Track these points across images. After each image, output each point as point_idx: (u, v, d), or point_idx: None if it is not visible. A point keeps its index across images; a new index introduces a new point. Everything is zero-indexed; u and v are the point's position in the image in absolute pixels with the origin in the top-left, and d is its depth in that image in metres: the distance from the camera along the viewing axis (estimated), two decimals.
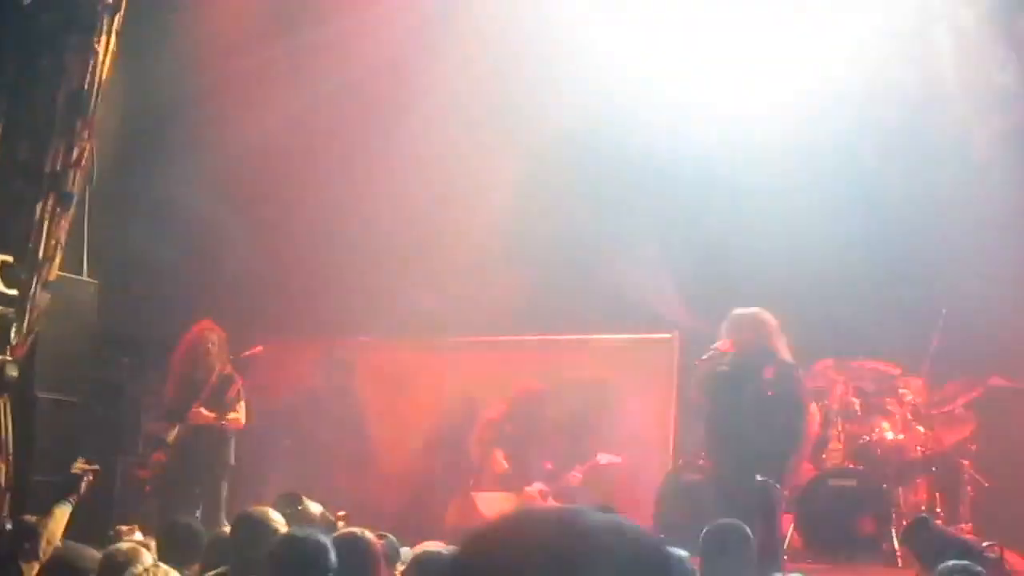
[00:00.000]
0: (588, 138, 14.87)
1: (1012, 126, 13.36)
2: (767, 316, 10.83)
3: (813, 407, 11.41)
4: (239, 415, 12.30)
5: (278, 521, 7.39)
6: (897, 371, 12.30)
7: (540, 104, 14.83)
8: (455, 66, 14.71)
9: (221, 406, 12.22)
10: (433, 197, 14.65)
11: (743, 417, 10.57)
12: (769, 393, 10.68)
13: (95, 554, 7.13)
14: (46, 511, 9.00)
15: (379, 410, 14.46)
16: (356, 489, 13.68)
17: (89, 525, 9.77)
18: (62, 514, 8.94)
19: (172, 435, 12.25)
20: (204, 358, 12.27)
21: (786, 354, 10.81)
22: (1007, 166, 13.04)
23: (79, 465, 9.31)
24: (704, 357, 11.00)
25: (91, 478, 9.32)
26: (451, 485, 13.68)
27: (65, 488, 9.32)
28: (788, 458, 10.86)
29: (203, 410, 12.14)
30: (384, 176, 14.27)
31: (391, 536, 7.82)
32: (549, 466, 12.64)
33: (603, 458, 12.44)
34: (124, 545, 7.23)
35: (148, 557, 6.95)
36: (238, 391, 12.31)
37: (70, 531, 8.82)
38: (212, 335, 12.39)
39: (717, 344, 11.04)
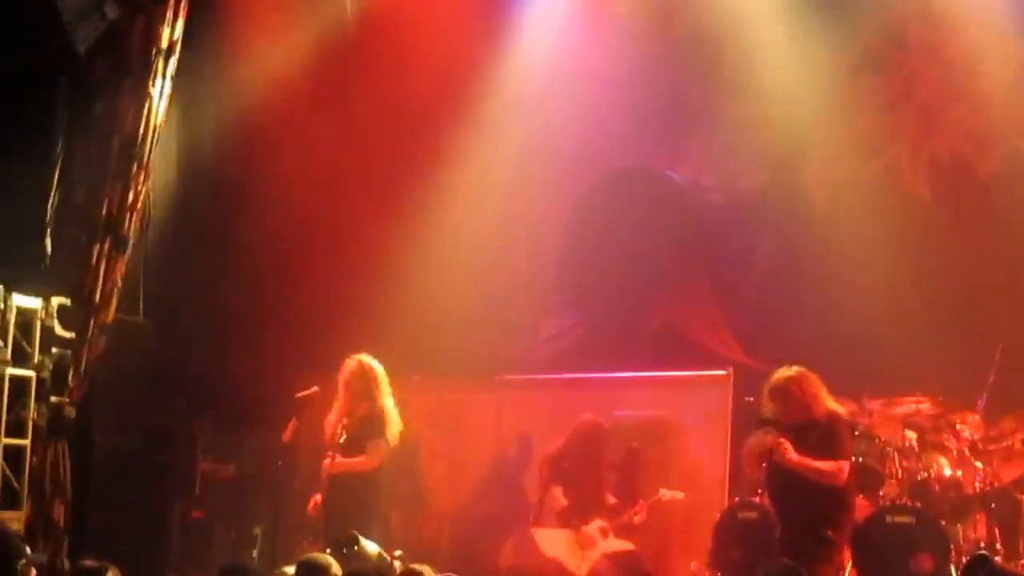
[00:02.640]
0: (641, 173, 14.91)
1: None
2: (800, 378, 10.70)
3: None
4: (366, 456, 11.60)
5: (336, 567, 7.41)
6: (953, 407, 12.21)
7: (586, 144, 14.89)
8: (502, 108, 14.76)
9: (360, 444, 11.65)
10: (487, 234, 14.68)
11: (793, 477, 10.51)
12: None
13: None
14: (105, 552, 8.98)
15: (433, 449, 14.46)
16: (410, 529, 13.69)
17: (148, 568, 9.84)
18: None
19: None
20: (351, 391, 11.81)
21: (825, 406, 10.71)
22: None
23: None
24: (751, 439, 10.93)
25: None
26: (507, 524, 13.65)
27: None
28: (838, 504, 10.75)
29: (337, 459, 11.49)
30: (438, 213, 14.31)
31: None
32: (612, 500, 12.58)
33: (665, 494, 12.37)
34: None
35: None
36: (377, 428, 11.70)
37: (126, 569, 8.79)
38: (352, 366, 11.85)
39: (761, 414, 10.99)
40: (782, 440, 10.37)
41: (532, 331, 15.24)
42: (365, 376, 11.77)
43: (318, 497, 11.66)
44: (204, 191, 14.34)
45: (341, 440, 11.53)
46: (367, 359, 11.84)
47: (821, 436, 10.46)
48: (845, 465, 10.49)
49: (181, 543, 12.93)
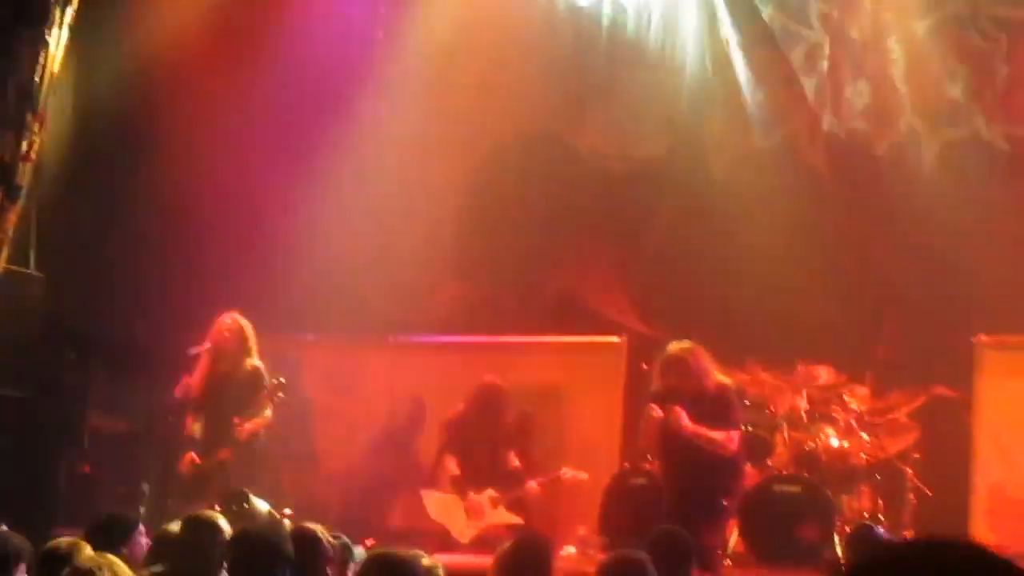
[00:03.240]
0: (541, 140, 14.92)
1: (959, 137, 13.48)
2: (694, 350, 10.88)
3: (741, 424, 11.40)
4: (256, 422, 11.78)
5: (224, 524, 7.40)
6: (842, 379, 12.38)
7: (488, 107, 14.87)
8: (405, 70, 14.72)
9: (246, 405, 11.78)
10: (383, 197, 14.63)
11: (686, 446, 10.67)
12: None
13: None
14: None
15: (325, 409, 14.42)
16: (301, 488, 13.65)
17: (31, 520, 9.73)
18: None
19: (197, 430, 11.95)
20: (222, 350, 11.88)
21: (715, 378, 10.90)
22: (954, 177, 13.15)
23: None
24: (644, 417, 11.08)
25: None
26: (398, 486, 13.66)
27: None
28: (730, 473, 10.93)
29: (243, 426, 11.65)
30: (335, 176, 14.24)
31: (344, 536, 7.79)
32: (507, 466, 12.55)
33: (567, 473, 12.34)
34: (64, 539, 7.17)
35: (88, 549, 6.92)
36: (262, 390, 11.81)
37: (9, 523, 8.70)
38: (226, 325, 11.95)
39: (655, 387, 11.15)
40: (676, 408, 10.53)
41: (428, 294, 15.21)
42: (242, 334, 11.83)
43: (193, 455, 11.73)
44: (100, 142, 14.16)
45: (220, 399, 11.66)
46: (240, 319, 11.89)
47: (712, 407, 10.65)
48: (735, 435, 10.69)
49: (68, 497, 12.80)
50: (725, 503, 10.85)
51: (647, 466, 11.85)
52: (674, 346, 10.89)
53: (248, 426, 11.63)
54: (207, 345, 11.98)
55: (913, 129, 13.59)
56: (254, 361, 11.91)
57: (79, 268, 13.84)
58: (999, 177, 13.10)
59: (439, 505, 12.04)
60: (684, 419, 10.53)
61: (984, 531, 11.71)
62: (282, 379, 11.96)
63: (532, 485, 12.34)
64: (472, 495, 12.26)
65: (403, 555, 6.11)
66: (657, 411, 10.71)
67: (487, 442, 12.57)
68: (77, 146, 13.61)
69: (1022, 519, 12.11)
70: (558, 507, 13.08)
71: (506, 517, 12.17)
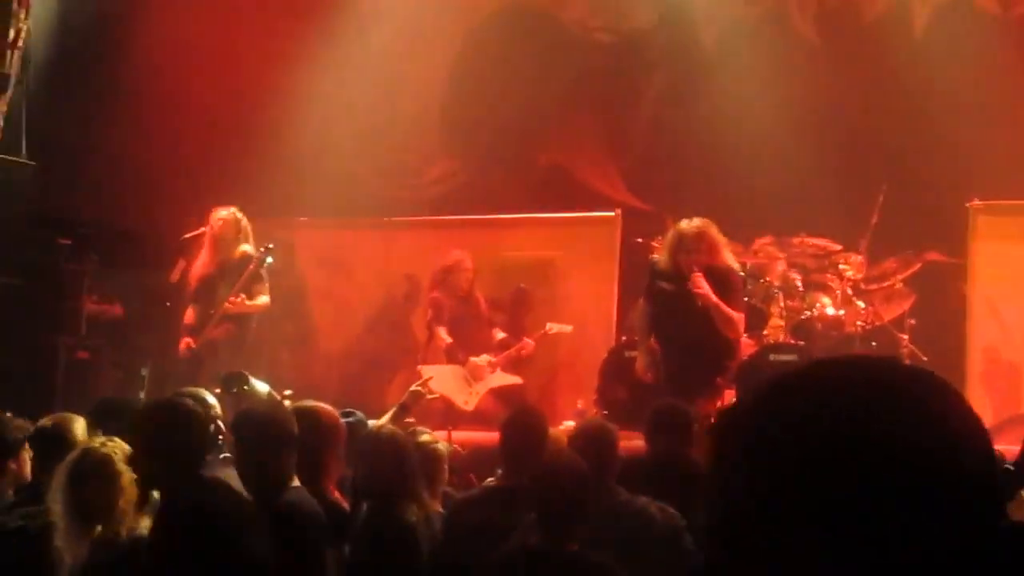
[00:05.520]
0: (527, 14, 14.83)
1: (950, 1, 13.41)
2: (703, 229, 10.73)
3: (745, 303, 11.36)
4: (258, 299, 12.04)
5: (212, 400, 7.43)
6: (837, 248, 12.40)
7: None
8: None
9: (245, 287, 11.93)
10: (373, 78, 14.56)
11: (684, 318, 10.60)
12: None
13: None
14: None
15: (320, 289, 14.46)
16: (299, 368, 13.71)
17: (31, 405, 9.75)
18: None
19: (193, 317, 12.08)
20: (218, 239, 12.01)
21: (726, 258, 10.80)
22: (946, 43, 13.09)
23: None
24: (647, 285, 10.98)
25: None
26: (394, 362, 13.73)
27: None
28: (729, 354, 10.89)
29: (233, 299, 11.84)
30: (321, 59, 14.15)
31: (359, 413, 7.83)
32: (502, 335, 12.64)
33: (552, 327, 12.44)
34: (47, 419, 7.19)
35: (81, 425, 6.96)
36: (260, 269, 12.01)
37: (9, 409, 8.72)
38: (221, 215, 12.06)
39: (653, 258, 11.08)
40: (698, 274, 10.42)
41: (419, 172, 15.20)
42: (237, 224, 11.93)
43: (189, 340, 11.84)
44: (88, 28, 14.03)
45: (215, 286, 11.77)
46: (234, 210, 11.99)
47: (722, 288, 10.56)
48: (743, 318, 10.64)
49: (66, 384, 12.82)
50: (720, 381, 10.84)
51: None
52: (690, 222, 10.76)
53: (241, 301, 11.76)
54: (203, 230, 12.02)
55: None
56: (246, 247, 11.99)
57: (70, 156, 13.78)
58: (991, 41, 13.03)
59: (439, 377, 12.08)
60: (705, 286, 10.41)
61: (979, 394, 11.79)
62: (269, 245, 12.03)
63: (528, 342, 12.46)
64: (472, 359, 12.36)
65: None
66: (700, 281, 10.49)
67: (470, 316, 12.64)
68: (64, 32, 13.48)
69: (1016, 382, 12.21)
70: (556, 376, 13.25)
71: (505, 379, 12.29)
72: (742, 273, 11.21)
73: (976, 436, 1.64)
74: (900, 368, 1.74)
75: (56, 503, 6.01)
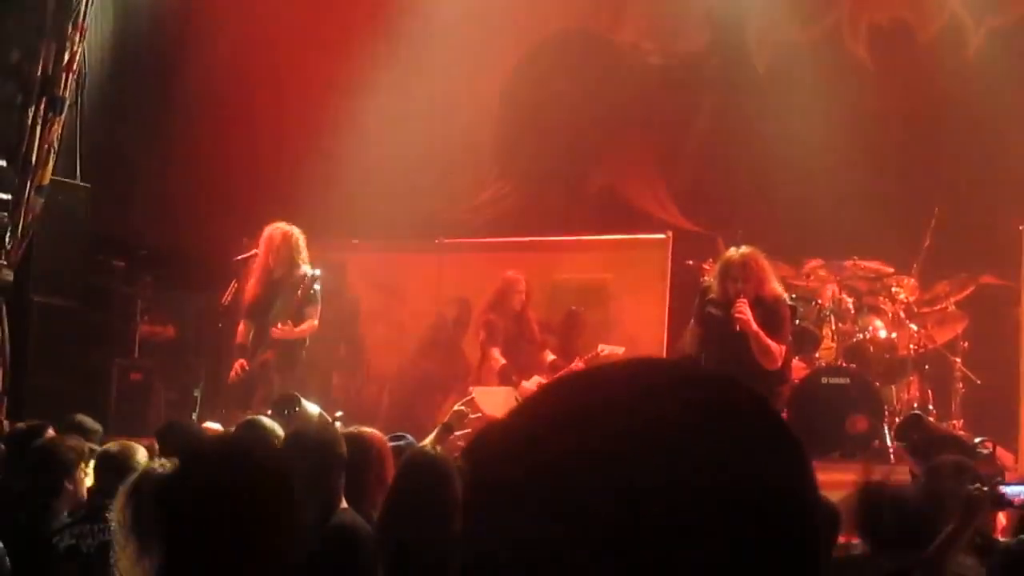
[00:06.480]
0: (581, 37, 14.86)
1: (1005, 24, 13.35)
2: (758, 254, 10.64)
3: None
4: (310, 321, 11.71)
5: (276, 429, 7.44)
6: (889, 270, 12.34)
7: (527, 5, 14.80)
8: None
9: (297, 309, 11.66)
10: (427, 102, 14.60)
11: (733, 343, 10.50)
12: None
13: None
14: (41, 415, 8.95)
15: (372, 311, 14.49)
16: (350, 391, 13.75)
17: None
18: None
19: (247, 337, 11.93)
20: (272, 258, 11.85)
21: (774, 287, 10.70)
22: (1001, 64, 13.04)
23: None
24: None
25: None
26: (446, 384, 13.73)
27: None
28: (776, 379, 10.79)
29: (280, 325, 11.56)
30: (377, 83, 14.20)
31: (409, 436, 7.83)
32: (552, 357, 12.63)
33: (604, 349, 12.40)
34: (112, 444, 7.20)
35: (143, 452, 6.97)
36: (311, 291, 11.69)
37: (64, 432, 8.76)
38: (276, 233, 11.80)
39: (705, 281, 11.02)
40: (742, 301, 10.29)
41: (472, 195, 15.23)
42: (290, 242, 11.80)
43: (243, 362, 11.76)
44: (141, 51, 14.16)
45: (270, 306, 11.68)
46: (291, 227, 11.87)
47: (768, 316, 10.45)
48: (784, 350, 10.46)
49: (119, 405, 12.91)
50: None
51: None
52: (738, 249, 10.67)
53: (287, 328, 11.59)
54: (255, 252, 12.00)
55: (955, 15, 13.46)
56: (304, 268, 11.86)
57: (124, 179, 13.89)
58: None
59: (491, 399, 12.07)
60: (749, 313, 10.30)
61: None
62: (317, 272, 11.89)
63: (578, 364, 12.42)
64: (524, 383, 12.34)
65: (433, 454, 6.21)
66: (743, 307, 10.41)
67: (523, 338, 12.64)
68: (118, 56, 13.60)
69: None
70: None
71: None
72: (791, 300, 11.10)
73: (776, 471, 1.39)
74: (675, 379, 1.46)
75: (116, 523, 6.02)
